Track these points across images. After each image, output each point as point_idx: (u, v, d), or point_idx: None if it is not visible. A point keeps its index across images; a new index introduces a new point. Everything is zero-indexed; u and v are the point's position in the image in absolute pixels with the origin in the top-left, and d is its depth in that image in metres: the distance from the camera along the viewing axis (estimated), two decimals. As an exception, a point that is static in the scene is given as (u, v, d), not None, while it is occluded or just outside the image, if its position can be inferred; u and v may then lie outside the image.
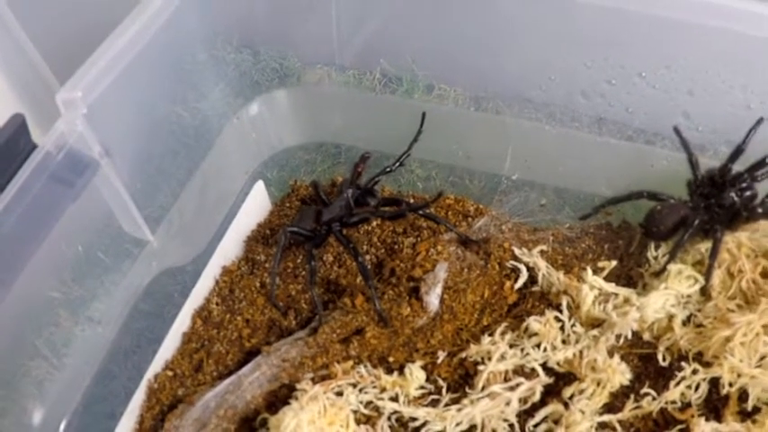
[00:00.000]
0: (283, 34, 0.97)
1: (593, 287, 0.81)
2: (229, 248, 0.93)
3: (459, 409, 0.76)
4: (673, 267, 0.80)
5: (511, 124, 0.93)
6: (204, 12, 0.86)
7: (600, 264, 0.84)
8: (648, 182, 0.87)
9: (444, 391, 0.78)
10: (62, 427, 0.81)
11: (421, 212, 0.88)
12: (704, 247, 0.81)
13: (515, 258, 0.86)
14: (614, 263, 0.84)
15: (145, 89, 0.83)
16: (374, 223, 0.92)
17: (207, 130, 0.94)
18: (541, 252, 0.86)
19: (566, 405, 0.75)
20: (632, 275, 0.84)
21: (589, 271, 0.82)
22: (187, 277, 0.90)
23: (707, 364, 0.75)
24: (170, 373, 0.83)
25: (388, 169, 0.89)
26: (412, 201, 0.95)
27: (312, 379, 0.79)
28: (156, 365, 0.84)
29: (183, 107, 0.90)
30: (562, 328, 0.80)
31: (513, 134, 0.94)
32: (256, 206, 0.97)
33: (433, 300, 0.81)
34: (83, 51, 0.76)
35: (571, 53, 0.87)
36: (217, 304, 0.88)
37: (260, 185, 0.96)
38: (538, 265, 0.85)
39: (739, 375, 0.73)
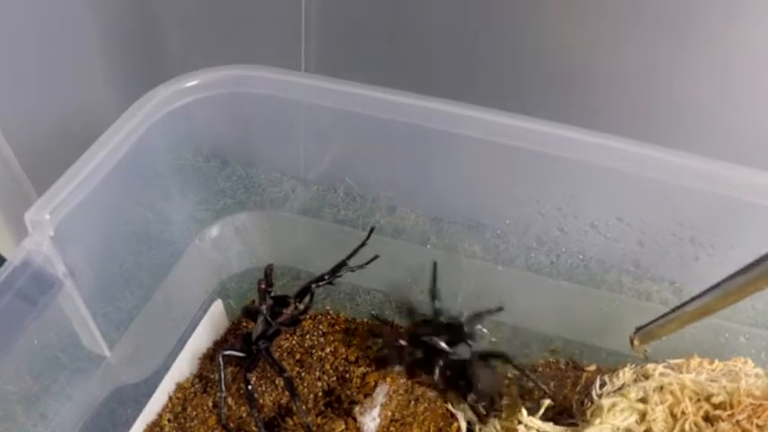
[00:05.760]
0: (252, 149, 0.98)
1: (530, 427, 0.82)
2: (184, 365, 0.93)
3: None
4: (606, 401, 0.81)
5: (465, 263, 0.95)
6: (173, 132, 0.88)
7: (543, 401, 0.85)
8: (596, 324, 0.90)
9: None
10: None
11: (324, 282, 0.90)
12: (647, 384, 0.82)
13: (462, 395, 0.86)
14: (550, 402, 0.85)
15: (112, 210, 0.84)
16: (327, 350, 0.92)
17: (170, 249, 0.95)
18: (488, 389, 0.87)
19: None
20: (573, 413, 0.85)
21: (524, 411, 0.83)
22: (142, 390, 0.90)
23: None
24: (117, 488, 0.84)
25: (321, 283, 0.90)
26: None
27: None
28: (106, 478, 0.83)
29: (148, 227, 0.92)
30: (504, 468, 0.81)
31: (466, 272, 0.95)
32: (213, 325, 0.98)
33: (368, 421, 0.82)
34: (62, 163, 0.77)
35: (526, 202, 0.89)
36: (169, 421, 0.89)
37: (218, 304, 0.97)
38: (484, 403, 0.85)
39: None
